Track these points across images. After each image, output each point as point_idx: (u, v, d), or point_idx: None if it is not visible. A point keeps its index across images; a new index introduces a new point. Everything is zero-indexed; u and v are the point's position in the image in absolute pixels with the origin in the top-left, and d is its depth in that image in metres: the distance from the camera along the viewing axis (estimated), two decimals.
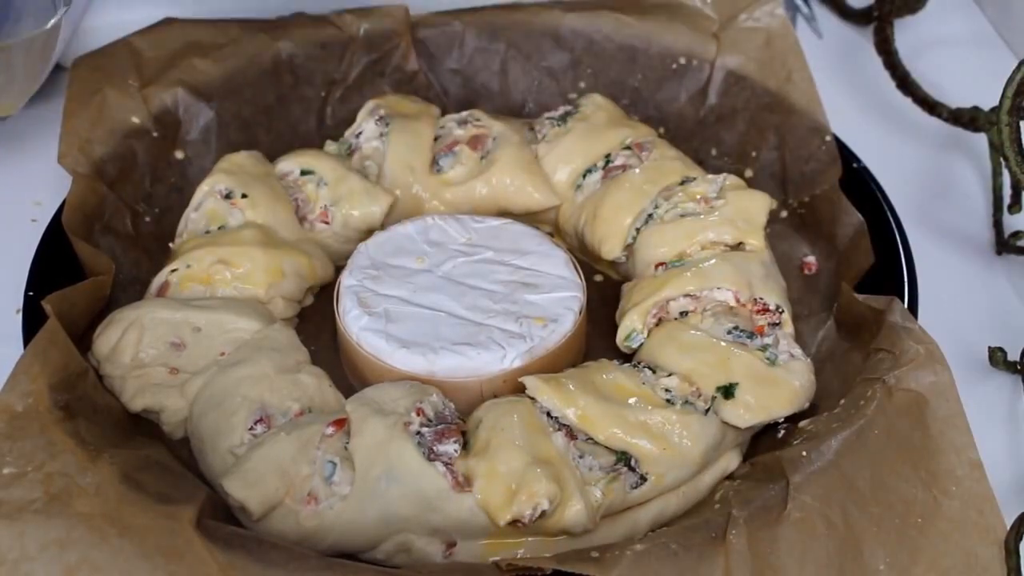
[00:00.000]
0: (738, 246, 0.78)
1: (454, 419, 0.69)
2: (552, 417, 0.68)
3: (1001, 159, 0.84)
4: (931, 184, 0.92)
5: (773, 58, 0.90)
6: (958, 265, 0.86)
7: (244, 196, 0.80)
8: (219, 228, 0.80)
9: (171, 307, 0.74)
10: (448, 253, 0.79)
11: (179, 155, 0.87)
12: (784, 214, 0.86)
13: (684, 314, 0.75)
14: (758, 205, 0.79)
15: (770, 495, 0.62)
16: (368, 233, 0.83)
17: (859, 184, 0.83)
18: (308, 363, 0.74)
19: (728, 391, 0.70)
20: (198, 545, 0.58)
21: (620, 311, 0.77)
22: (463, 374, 0.72)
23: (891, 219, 0.81)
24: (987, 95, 0.84)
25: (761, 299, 0.75)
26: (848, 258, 0.79)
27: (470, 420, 0.69)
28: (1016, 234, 0.84)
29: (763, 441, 0.72)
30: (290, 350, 0.74)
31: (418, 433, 0.66)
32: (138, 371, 0.72)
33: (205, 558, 0.57)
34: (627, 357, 0.76)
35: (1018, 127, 0.81)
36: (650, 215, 0.81)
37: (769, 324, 0.75)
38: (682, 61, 0.92)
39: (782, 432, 0.71)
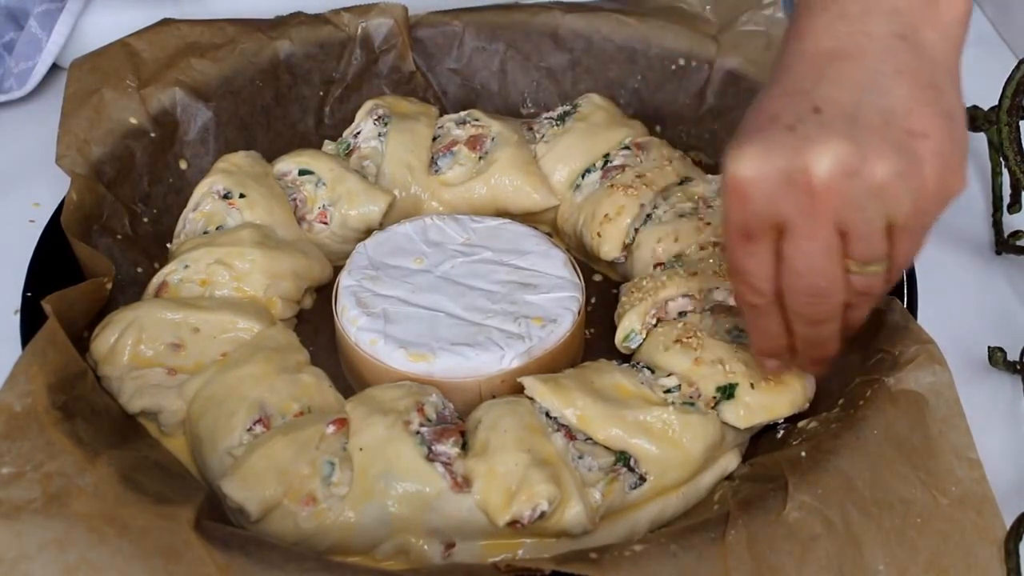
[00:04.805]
0: None
1: (453, 419, 0.69)
2: (551, 417, 0.68)
3: (1000, 158, 0.84)
4: None
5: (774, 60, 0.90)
6: (957, 265, 0.85)
7: (242, 196, 0.80)
8: (217, 228, 0.80)
9: (169, 308, 0.74)
10: (447, 253, 0.79)
11: (182, 166, 0.86)
12: None
13: (683, 314, 0.75)
14: None
15: (769, 495, 0.62)
16: (366, 233, 0.82)
17: None
18: (308, 363, 0.74)
19: (728, 391, 0.70)
20: (197, 546, 0.57)
21: (619, 311, 0.77)
22: (461, 374, 0.72)
23: None
24: (987, 95, 0.84)
25: None
26: None
27: (469, 420, 0.69)
28: (1015, 234, 0.84)
29: (762, 441, 0.72)
30: (290, 350, 0.73)
31: (417, 433, 0.66)
32: (136, 372, 0.72)
33: (204, 558, 0.57)
34: (626, 357, 0.76)
35: (1018, 127, 0.81)
36: (649, 215, 0.81)
37: None
38: (681, 62, 0.92)
39: (781, 432, 0.71)
